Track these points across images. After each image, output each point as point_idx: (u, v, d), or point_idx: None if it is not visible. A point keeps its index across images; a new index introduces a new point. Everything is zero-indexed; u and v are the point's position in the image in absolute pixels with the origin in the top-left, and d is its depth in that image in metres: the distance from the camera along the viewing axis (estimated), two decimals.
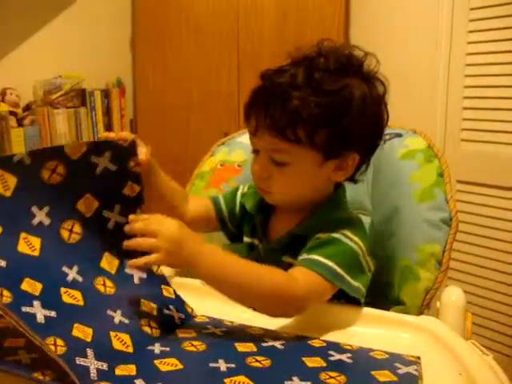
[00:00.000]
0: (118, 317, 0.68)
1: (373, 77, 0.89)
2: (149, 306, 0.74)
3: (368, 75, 0.88)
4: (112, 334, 0.65)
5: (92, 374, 0.56)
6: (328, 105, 0.83)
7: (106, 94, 2.53)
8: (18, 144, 2.27)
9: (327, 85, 0.83)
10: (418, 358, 0.70)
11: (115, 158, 0.77)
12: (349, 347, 0.73)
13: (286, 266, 0.84)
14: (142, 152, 0.87)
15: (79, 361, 0.57)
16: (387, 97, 0.91)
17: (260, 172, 0.89)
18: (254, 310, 0.78)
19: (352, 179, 0.95)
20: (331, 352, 0.69)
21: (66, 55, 2.58)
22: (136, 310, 0.72)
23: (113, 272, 0.75)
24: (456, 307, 0.94)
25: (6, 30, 2.38)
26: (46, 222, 0.70)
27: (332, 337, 0.77)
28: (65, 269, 0.69)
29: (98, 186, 0.75)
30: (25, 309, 0.59)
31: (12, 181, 0.65)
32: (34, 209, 0.69)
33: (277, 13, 2.34)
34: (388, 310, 0.96)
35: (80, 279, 0.70)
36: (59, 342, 0.57)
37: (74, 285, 0.69)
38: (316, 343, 0.73)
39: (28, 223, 0.68)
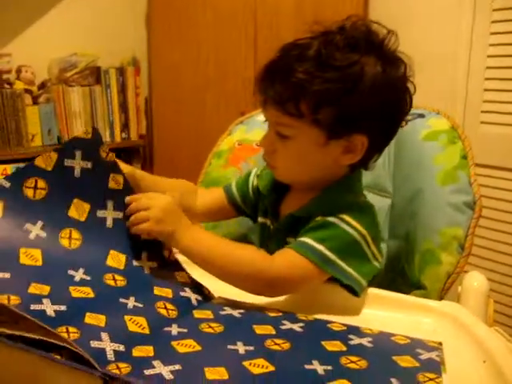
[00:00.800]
0: (131, 303, 0.67)
1: (393, 57, 0.84)
2: (163, 291, 0.73)
3: (387, 54, 0.83)
4: (126, 317, 0.64)
5: (109, 355, 0.55)
6: (334, 81, 0.79)
7: (120, 72, 2.51)
8: (34, 122, 2.27)
9: (336, 60, 0.79)
10: (440, 343, 0.69)
11: (86, 154, 0.77)
12: (369, 331, 0.71)
13: None
14: None
15: (94, 344, 0.56)
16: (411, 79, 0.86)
17: (266, 145, 0.89)
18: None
19: (364, 165, 0.90)
20: (351, 336, 0.68)
21: (81, 33, 2.57)
22: (150, 295, 0.71)
23: (121, 267, 0.74)
24: (478, 293, 0.92)
25: (21, 7, 2.37)
26: (43, 234, 0.71)
27: (351, 321, 0.76)
28: (71, 272, 0.69)
29: (83, 188, 0.76)
30: (34, 306, 0.59)
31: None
32: (28, 225, 0.70)
33: None
34: (408, 293, 0.95)
35: (88, 278, 0.70)
36: (72, 329, 0.57)
37: (82, 283, 0.69)
38: (335, 327, 0.72)
39: (25, 239, 0.69)
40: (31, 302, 0.60)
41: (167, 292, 0.73)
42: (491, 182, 1.92)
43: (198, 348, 0.61)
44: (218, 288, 0.80)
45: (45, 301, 0.61)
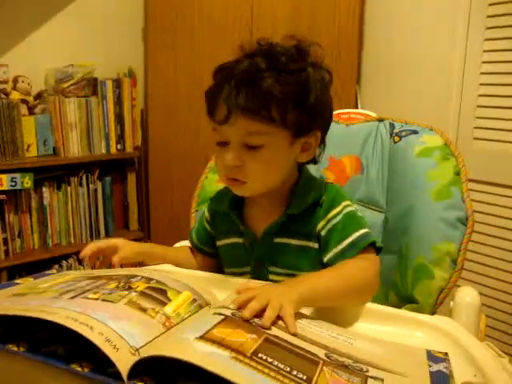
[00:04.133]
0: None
1: (321, 64, 0.93)
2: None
3: (317, 63, 0.92)
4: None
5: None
6: (296, 83, 0.87)
7: (117, 83, 2.51)
8: (29, 132, 2.27)
9: (291, 65, 0.87)
10: (446, 354, 0.69)
11: None
12: None
13: (279, 246, 0.96)
14: (115, 260, 1.00)
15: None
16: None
17: (234, 161, 0.88)
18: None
19: (314, 160, 0.99)
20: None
21: (78, 44, 2.58)
22: None
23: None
24: (470, 308, 0.93)
25: (19, 17, 2.38)
26: None
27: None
28: None
29: None
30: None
31: None
32: None
33: (291, 3, 2.32)
34: (400, 307, 0.96)
35: None
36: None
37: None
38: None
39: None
40: None
41: None
42: (484, 198, 1.93)
43: None
44: None
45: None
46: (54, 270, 0.89)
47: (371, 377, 0.60)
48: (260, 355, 0.56)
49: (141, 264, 1.06)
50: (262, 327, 0.65)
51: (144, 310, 0.65)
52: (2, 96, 2.21)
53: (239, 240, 1.02)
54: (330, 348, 0.65)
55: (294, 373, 0.55)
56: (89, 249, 1.00)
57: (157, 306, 0.67)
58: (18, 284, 0.79)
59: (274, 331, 0.65)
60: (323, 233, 0.93)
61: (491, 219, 1.92)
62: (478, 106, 1.98)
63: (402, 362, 0.66)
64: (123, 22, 2.74)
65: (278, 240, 0.97)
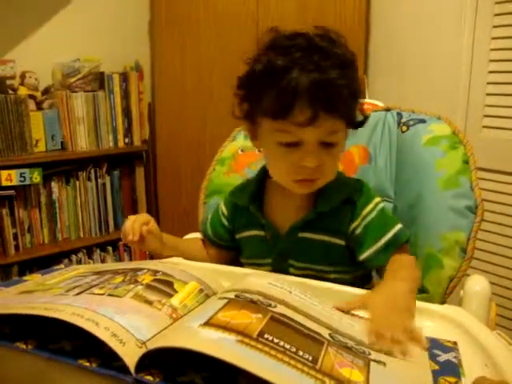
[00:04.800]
0: None
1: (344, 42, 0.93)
2: None
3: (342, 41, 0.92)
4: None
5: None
6: (354, 78, 0.88)
7: (124, 77, 2.52)
8: (37, 127, 2.28)
9: (347, 60, 0.88)
10: (455, 343, 0.69)
11: None
12: None
13: (303, 241, 0.97)
14: (144, 229, 0.98)
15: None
16: None
17: (316, 162, 0.87)
18: None
19: None
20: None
21: (85, 38, 2.58)
22: None
23: None
24: (481, 296, 0.93)
25: (25, 13, 2.38)
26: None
27: None
28: None
29: None
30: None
31: None
32: None
33: None
34: None
35: None
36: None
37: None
38: None
39: None
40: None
41: None
42: (493, 186, 1.92)
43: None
44: None
45: None
46: (61, 266, 0.89)
47: (374, 360, 0.60)
48: (266, 336, 0.56)
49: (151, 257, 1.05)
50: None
51: (150, 302, 0.65)
52: (10, 92, 2.22)
53: (260, 233, 1.03)
54: (333, 328, 0.66)
55: (300, 353, 0.55)
56: (136, 231, 0.97)
57: (163, 298, 0.67)
58: (25, 281, 0.80)
59: (279, 309, 0.65)
60: (358, 230, 0.95)
61: (501, 208, 1.91)
62: (487, 94, 1.97)
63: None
64: (130, 16, 2.74)
65: (302, 235, 0.98)
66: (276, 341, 0.56)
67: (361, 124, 0.95)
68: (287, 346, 0.55)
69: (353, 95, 0.88)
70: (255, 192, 1.03)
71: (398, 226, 0.95)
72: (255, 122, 0.93)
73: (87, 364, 0.55)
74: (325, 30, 0.89)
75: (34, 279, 0.81)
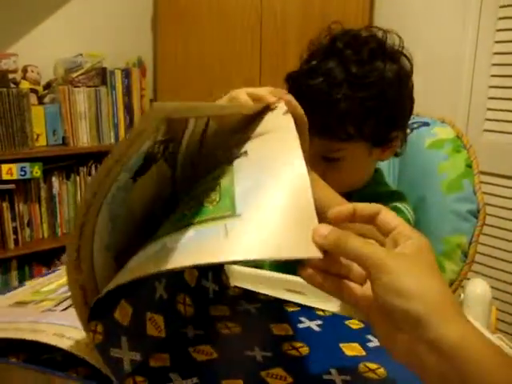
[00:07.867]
0: (160, 289, 0.65)
1: (399, 54, 0.90)
2: (191, 273, 0.72)
3: (394, 54, 0.89)
4: (148, 315, 0.63)
5: (126, 367, 0.55)
6: (370, 98, 0.84)
7: (126, 73, 2.51)
8: (39, 121, 2.28)
9: (365, 77, 0.84)
10: None
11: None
12: None
13: None
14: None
15: (113, 352, 0.56)
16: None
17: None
18: None
19: (396, 154, 0.99)
20: (369, 337, 0.67)
21: (87, 33, 2.58)
22: (177, 281, 0.69)
23: None
24: (481, 300, 0.93)
25: (28, 7, 2.38)
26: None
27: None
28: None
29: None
30: None
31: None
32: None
33: None
34: None
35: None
36: (99, 328, 0.57)
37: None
38: (353, 324, 0.71)
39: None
40: None
41: (193, 277, 0.72)
42: (494, 190, 1.92)
43: (215, 355, 0.60)
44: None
45: None
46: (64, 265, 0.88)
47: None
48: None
49: None
50: None
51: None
52: (12, 85, 2.22)
53: None
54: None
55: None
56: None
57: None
58: (25, 285, 0.80)
59: None
60: None
61: (502, 212, 1.92)
62: (489, 98, 1.97)
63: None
64: (132, 12, 2.74)
65: None
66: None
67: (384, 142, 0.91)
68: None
69: (367, 115, 0.84)
70: None
71: None
72: None
73: (74, 375, 0.55)
74: (379, 43, 0.88)
75: (32, 284, 0.81)
